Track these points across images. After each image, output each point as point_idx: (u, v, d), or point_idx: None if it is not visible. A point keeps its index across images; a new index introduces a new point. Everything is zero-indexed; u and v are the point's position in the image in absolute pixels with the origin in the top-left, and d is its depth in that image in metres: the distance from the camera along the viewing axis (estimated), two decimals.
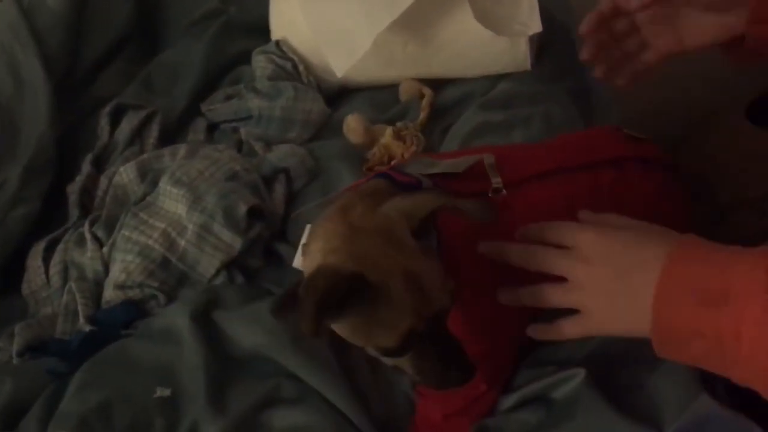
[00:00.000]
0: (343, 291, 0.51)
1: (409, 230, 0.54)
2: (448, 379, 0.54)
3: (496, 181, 0.66)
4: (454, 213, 0.56)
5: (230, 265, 0.84)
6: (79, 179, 0.97)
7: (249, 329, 0.72)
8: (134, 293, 0.81)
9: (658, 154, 0.77)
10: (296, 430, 0.66)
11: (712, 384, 0.61)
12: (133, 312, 0.80)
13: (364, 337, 0.55)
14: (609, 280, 0.54)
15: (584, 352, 0.66)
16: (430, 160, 0.67)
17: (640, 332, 0.52)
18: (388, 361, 0.57)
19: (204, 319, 0.75)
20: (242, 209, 0.84)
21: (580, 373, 0.62)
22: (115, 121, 1.03)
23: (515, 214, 0.66)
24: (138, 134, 1.02)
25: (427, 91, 0.99)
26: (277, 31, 1.07)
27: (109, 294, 0.82)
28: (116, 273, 0.83)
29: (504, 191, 0.66)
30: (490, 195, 0.66)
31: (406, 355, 0.55)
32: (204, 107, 1.06)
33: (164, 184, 0.88)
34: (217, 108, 1.05)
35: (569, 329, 0.57)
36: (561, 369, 0.64)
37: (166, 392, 0.70)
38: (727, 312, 0.48)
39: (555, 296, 0.57)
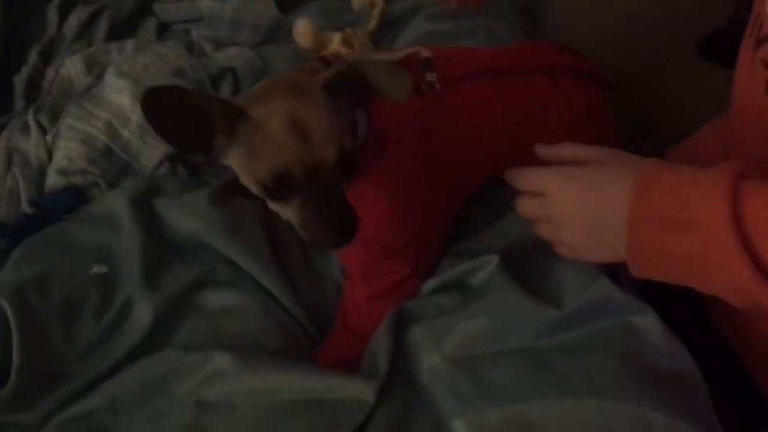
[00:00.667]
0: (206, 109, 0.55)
1: (319, 87, 0.57)
2: (328, 235, 0.57)
3: (431, 75, 0.68)
4: (368, 85, 0.57)
5: (173, 159, 0.85)
6: (26, 70, 0.96)
7: (186, 215, 0.74)
8: (76, 179, 0.83)
9: (592, 67, 0.80)
10: (227, 309, 0.69)
11: (617, 277, 0.65)
12: (75, 198, 0.82)
13: (248, 170, 0.59)
14: (583, 221, 0.57)
15: (503, 243, 0.70)
16: (369, 53, 0.69)
17: (618, 259, 0.55)
18: (278, 209, 0.60)
19: (143, 205, 0.76)
20: None
21: (494, 259, 0.66)
22: (63, 15, 1.02)
23: (449, 110, 0.69)
24: (86, 29, 1.01)
25: (379, 1, 0.99)
26: None
27: (52, 180, 0.84)
28: (59, 159, 0.84)
29: (437, 86, 0.68)
30: (423, 89, 0.68)
31: (290, 203, 0.58)
32: (156, 6, 1.05)
33: (110, 76, 0.88)
34: (168, 8, 1.04)
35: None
36: (476, 257, 0.68)
37: (103, 269, 0.72)
38: (695, 236, 0.51)
39: (537, 230, 0.60)
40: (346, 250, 0.69)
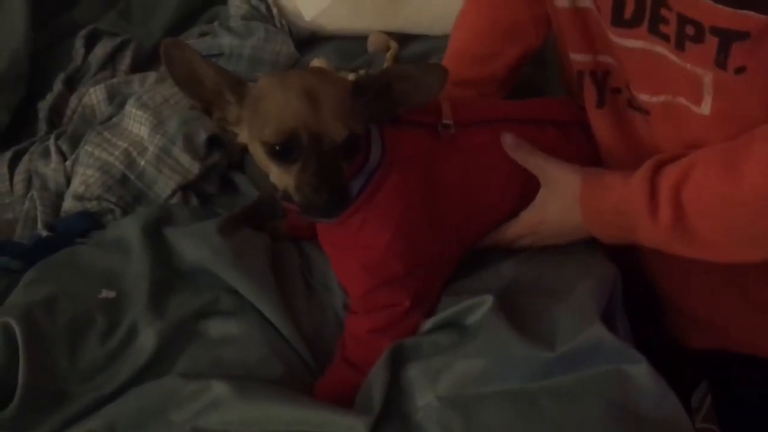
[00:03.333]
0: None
1: (348, 81, 0.63)
2: (322, 199, 0.61)
3: (447, 117, 0.71)
4: (395, 99, 0.66)
5: (186, 189, 0.88)
6: (50, 96, 1.00)
7: (194, 244, 0.76)
8: (92, 205, 0.86)
9: None
10: (228, 338, 0.71)
11: (613, 321, 0.67)
12: (89, 222, 0.84)
13: (257, 134, 0.63)
14: (552, 232, 0.74)
15: (501, 284, 0.71)
16: None
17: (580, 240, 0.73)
18: (279, 177, 0.64)
19: (154, 232, 0.79)
20: (202, 136, 0.88)
21: (488, 300, 0.68)
22: (89, 45, 1.06)
23: (459, 151, 0.72)
24: (111, 60, 1.05)
25: (393, 45, 1.03)
26: None
27: (68, 204, 0.86)
28: (76, 185, 0.86)
29: (452, 129, 0.71)
30: (438, 129, 0.71)
31: (292, 167, 0.62)
32: None
33: (130, 107, 0.91)
34: (190, 43, 1.08)
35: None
36: (473, 296, 0.69)
37: (111, 294, 0.74)
38: (641, 230, 0.66)
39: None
40: (347, 275, 0.72)
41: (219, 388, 0.63)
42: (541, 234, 0.74)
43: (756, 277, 0.74)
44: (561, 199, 0.72)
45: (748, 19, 0.57)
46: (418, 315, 0.71)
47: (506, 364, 0.61)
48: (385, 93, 0.65)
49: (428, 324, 0.70)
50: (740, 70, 0.60)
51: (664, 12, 0.62)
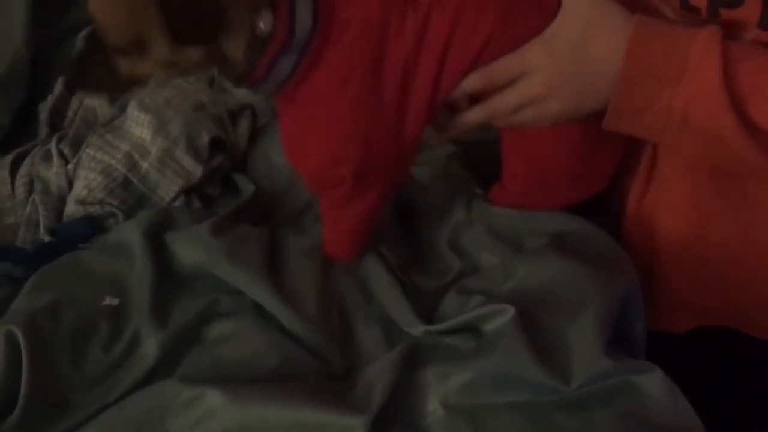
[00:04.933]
0: None
1: None
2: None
3: None
4: None
5: (189, 191, 0.87)
6: (51, 99, 0.99)
7: (190, 247, 0.76)
8: (94, 209, 0.85)
9: None
10: (225, 337, 0.70)
11: (630, 331, 0.66)
12: (92, 227, 0.84)
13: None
14: (570, 87, 0.59)
15: (508, 285, 0.70)
16: None
17: (595, 110, 0.58)
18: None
19: (156, 237, 0.78)
20: (205, 139, 0.88)
21: (509, 310, 0.66)
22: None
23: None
24: None
25: None
26: None
27: (71, 209, 0.86)
28: (78, 189, 0.86)
29: None
30: None
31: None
32: None
33: (132, 109, 0.90)
34: None
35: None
36: (490, 301, 0.68)
37: (115, 301, 0.73)
38: (681, 88, 0.55)
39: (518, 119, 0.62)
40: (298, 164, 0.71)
41: (212, 397, 0.62)
42: (552, 96, 0.59)
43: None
44: (598, 24, 0.57)
45: None
46: (374, 194, 0.69)
47: (520, 383, 0.61)
48: None
49: (443, 327, 0.69)
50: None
51: None
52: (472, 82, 0.62)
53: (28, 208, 0.87)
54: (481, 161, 0.91)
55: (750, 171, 0.61)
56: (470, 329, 0.69)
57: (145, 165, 0.87)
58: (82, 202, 0.85)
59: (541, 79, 0.60)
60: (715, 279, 0.73)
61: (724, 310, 0.75)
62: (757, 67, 0.55)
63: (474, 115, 0.66)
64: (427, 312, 0.74)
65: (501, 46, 0.61)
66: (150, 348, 0.69)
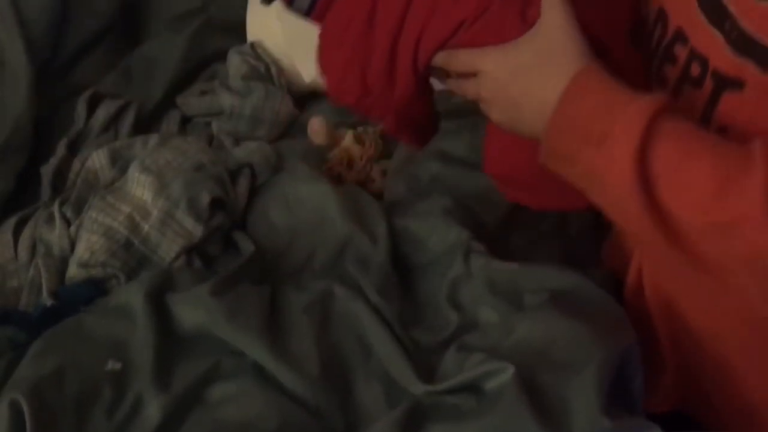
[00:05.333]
0: None
1: None
2: None
3: None
4: None
5: (190, 251, 0.89)
6: (53, 161, 1.01)
7: (191, 308, 0.77)
8: (96, 272, 0.86)
9: None
10: (228, 399, 0.71)
11: (629, 390, 0.67)
12: (94, 290, 0.85)
13: None
14: (505, 103, 0.60)
15: (508, 342, 0.71)
16: None
17: (531, 137, 0.59)
18: None
19: (157, 299, 0.79)
20: (206, 199, 0.89)
21: (509, 369, 0.67)
22: (91, 108, 1.07)
23: None
24: (113, 122, 1.06)
25: None
26: (253, 34, 1.12)
27: (73, 271, 0.87)
28: (81, 251, 0.87)
29: None
30: None
31: None
32: (179, 100, 1.11)
33: (133, 171, 0.92)
34: (191, 102, 1.10)
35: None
36: (490, 359, 0.69)
37: (117, 366, 0.74)
38: (602, 152, 0.54)
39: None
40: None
41: None
42: (490, 105, 0.61)
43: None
44: (552, 56, 0.57)
45: (746, 68, 0.54)
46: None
47: None
48: None
49: (443, 386, 0.70)
50: (722, 130, 0.58)
51: (677, 47, 0.59)
52: (438, 59, 0.65)
53: (31, 271, 0.89)
54: (480, 210, 0.92)
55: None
56: (471, 388, 0.70)
57: (146, 226, 0.88)
58: (84, 264, 0.86)
59: (487, 84, 0.62)
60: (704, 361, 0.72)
61: (698, 395, 0.74)
62: (678, 148, 0.54)
63: (450, 86, 0.68)
64: (427, 369, 0.75)
65: (470, 38, 0.63)
66: (152, 411, 0.70)
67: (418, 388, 0.71)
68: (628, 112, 0.54)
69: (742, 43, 0.55)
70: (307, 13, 0.73)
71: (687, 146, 0.54)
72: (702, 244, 0.54)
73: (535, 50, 0.60)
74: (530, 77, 0.59)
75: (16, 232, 0.94)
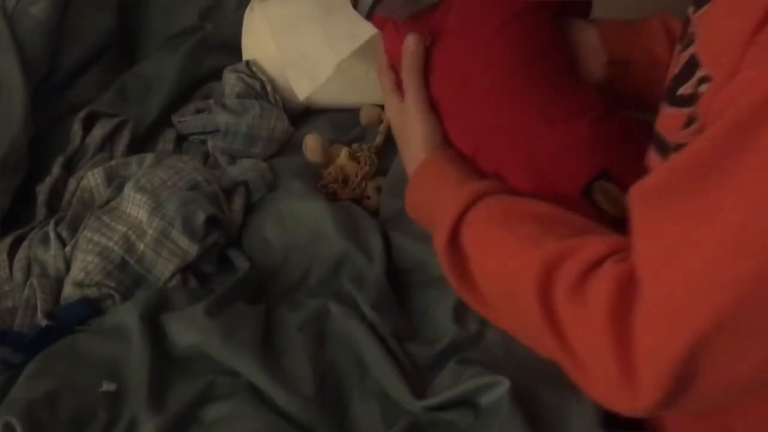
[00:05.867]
0: None
1: None
2: None
3: None
4: None
5: (185, 270, 0.89)
6: (49, 180, 1.01)
7: (185, 329, 0.77)
8: (91, 291, 0.86)
9: None
10: (223, 419, 0.71)
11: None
12: (89, 310, 0.85)
13: None
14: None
15: (510, 359, 0.71)
16: None
17: None
18: None
19: (152, 319, 0.79)
20: (201, 218, 0.89)
21: (504, 383, 0.67)
22: (87, 127, 1.08)
23: None
24: (109, 141, 1.06)
25: (386, 117, 1.04)
26: (248, 52, 1.12)
27: (68, 291, 0.87)
28: (76, 271, 0.87)
29: None
30: None
31: None
32: (175, 119, 1.11)
33: (128, 190, 0.92)
34: (187, 120, 1.10)
35: None
36: (484, 371, 0.69)
37: (112, 387, 0.74)
38: (435, 237, 0.65)
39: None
40: None
41: None
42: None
43: None
44: (408, 134, 0.70)
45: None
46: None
47: None
48: None
49: (438, 399, 0.70)
50: None
51: None
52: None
53: (26, 291, 0.88)
54: None
55: None
56: (467, 403, 0.70)
57: (141, 246, 0.88)
58: (79, 284, 0.86)
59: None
60: None
61: None
62: (479, 235, 0.61)
63: None
64: (423, 384, 0.75)
65: None
66: None
67: (414, 406, 0.71)
68: (444, 204, 0.64)
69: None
70: (368, 16, 0.71)
71: (487, 235, 0.62)
72: (502, 311, 0.62)
73: (401, 124, 0.71)
74: (400, 142, 0.71)
75: (11, 252, 0.94)
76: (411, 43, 0.68)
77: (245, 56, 1.13)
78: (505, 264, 0.59)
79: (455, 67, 0.68)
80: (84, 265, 0.87)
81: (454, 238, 0.62)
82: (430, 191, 0.65)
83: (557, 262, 0.54)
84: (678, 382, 0.47)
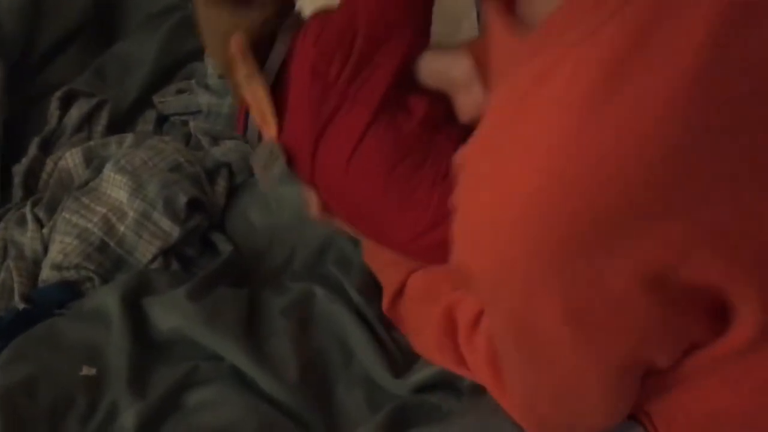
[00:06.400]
0: None
1: None
2: None
3: None
4: None
5: (167, 252, 0.87)
6: (25, 161, 0.98)
7: (167, 312, 0.76)
8: (70, 274, 0.84)
9: None
10: (205, 405, 0.70)
11: None
12: (68, 293, 0.83)
13: None
14: None
15: None
16: None
17: None
18: None
19: (133, 302, 0.77)
20: (182, 200, 0.87)
21: None
22: (65, 106, 1.05)
23: None
24: (87, 121, 1.04)
25: None
26: None
27: (46, 274, 0.84)
28: (54, 253, 0.85)
29: None
30: None
31: None
32: (156, 99, 1.09)
33: (108, 171, 0.90)
34: (168, 101, 1.08)
35: None
36: None
37: (92, 371, 0.72)
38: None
39: None
40: None
41: None
42: None
43: None
44: None
45: None
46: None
47: None
48: None
49: (420, 375, 0.70)
50: None
51: None
52: None
53: (2, 274, 0.86)
54: None
55: None
56: (450, 386, 0.70)
57: (122, 228, 0.86)
58: (57, 267, 0.84)
59: None
60: None
61: None
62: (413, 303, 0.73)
63: None
64: (409, 368, 0.74)
65: None
66: (128, 420, 0.69)
67: (399, 388, 0.71)
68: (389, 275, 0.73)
69: None
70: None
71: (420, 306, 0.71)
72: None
73: None
74: None
75: None
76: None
77: None
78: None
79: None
80: (62, 247, 0.85)
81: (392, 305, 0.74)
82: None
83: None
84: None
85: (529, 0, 0.46)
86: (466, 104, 0.66)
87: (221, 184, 0.94)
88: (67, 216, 0.87)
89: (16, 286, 0.84)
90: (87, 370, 0.72)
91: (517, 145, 0.41)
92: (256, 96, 0.68)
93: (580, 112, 0.38)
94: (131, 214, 0.86)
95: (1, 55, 1.02)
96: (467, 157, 0.45)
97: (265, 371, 0.71)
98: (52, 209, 0.91)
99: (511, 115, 0.42)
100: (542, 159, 0.39)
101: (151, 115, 1.07)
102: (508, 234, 0.40)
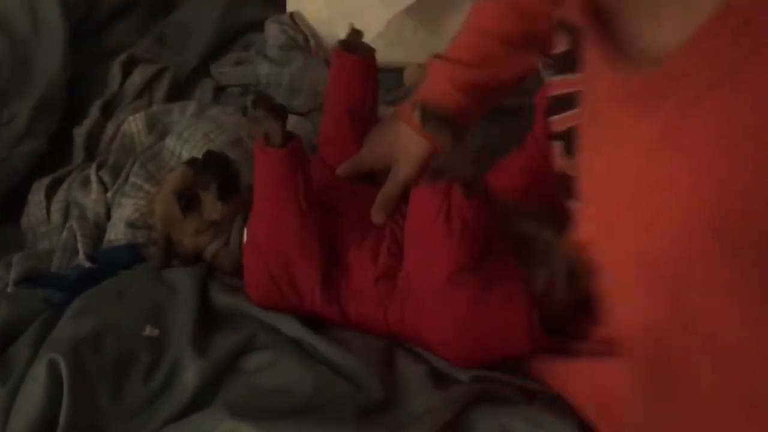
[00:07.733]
0: None
1: None
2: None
3: None
4: None
5: None
6: (87, 123, 0.99)
7: (227, 295, 0.77)
8: (141, 234, 0.84)
9: None
10: (262, 367, 0.71)
11: None
12: (133, 255, 0.83)
13: None
14: None
15: None
16: None
17: None
18: None
19: (197, 275, 0.78)
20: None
21: None
22: (126, 71, 1.06)
23: None
24: (148, 87, 1.05)
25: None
26: (292, 3, 1.10)
27: (116, 232, 0.85)
28: (129, 212, 0.85)
29: None
30: None
31: None
32: (213, 69, 1.09)
33: (171, 142, 0.91)
34: (226, 71, 1.08)
35: None
36: None
37: (155, 332, 0.73)
38: None
39: None
40: None
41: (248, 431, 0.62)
42: None
43: None
44: None
45: None
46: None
47: None
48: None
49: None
50: None
51: None
52: None
53: (65, 233, 0.87)
54: None
55: None
56: (508, 385, 0.69)
57: None
58: (131, 224, 0.85)
59: None
60: None
61: None
62: None
63: None
64: None
65: None
66: (190, 377, 0.69)
67: (460, 374, 0.71)
68: None
69: None
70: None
71: None
72: None
73: None
74: None
75: (49, 194, 0.93)
76: None
77: (289, 7, 1.10)
78: None
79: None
80: (137, 206, 0.86)
81: None
82: None
83: None
84: None
85: (649, 30, 0.45)
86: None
87: None
88: (138, 182, 0.88)
89: (80, 245, 0.85)
90: (150, 331, 0.73)
91: None
92: None
93: None
94: None
95: (65, 15, 1.03)
96: None
97: (323, 338, 0.72)
98: (116, 173, 0.92)
99: None
100: None
101: (209, 84, 1.08)
102: None
